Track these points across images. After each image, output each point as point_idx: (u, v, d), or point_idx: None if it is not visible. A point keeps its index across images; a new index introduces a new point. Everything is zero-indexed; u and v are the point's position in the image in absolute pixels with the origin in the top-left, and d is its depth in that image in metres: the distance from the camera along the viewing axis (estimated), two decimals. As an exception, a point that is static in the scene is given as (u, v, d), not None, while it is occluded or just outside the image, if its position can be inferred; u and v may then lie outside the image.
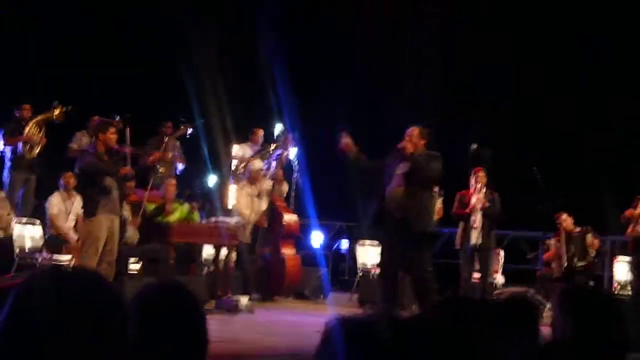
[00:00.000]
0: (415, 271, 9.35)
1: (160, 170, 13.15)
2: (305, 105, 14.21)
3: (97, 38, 14.92)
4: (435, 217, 11.28)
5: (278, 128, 13.54)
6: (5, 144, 12.49)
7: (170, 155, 13.25)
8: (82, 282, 1.80)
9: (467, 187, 11.89)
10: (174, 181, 12.29)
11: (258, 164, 12.80)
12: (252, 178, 12.66)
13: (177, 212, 11.97)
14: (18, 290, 1.77)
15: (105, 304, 1.78)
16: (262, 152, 13.39)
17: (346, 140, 9.43)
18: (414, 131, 9.50)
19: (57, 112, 12.61)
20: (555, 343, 3.28)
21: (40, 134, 12.52)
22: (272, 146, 13.34)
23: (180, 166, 13.60)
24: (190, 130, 13.46)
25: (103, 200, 9.61)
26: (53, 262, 10.92)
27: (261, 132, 13.77)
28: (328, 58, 16.20)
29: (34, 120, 12.53)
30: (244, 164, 13.23)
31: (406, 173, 9.36)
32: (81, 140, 13.12)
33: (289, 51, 14.69)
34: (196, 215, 12.25)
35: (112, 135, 9.77)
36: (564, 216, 12.29)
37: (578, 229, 12.31)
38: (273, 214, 12.59)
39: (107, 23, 15.12)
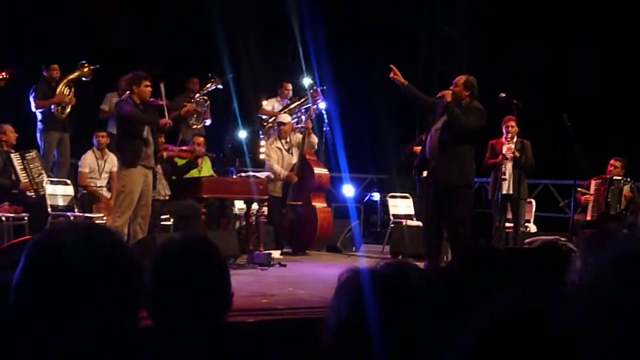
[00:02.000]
0: (448, 225, 9.42)
1: (191, 124, 13.18)
2: (337, 58, 14.13)
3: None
4: None
5: (306, 82, 13.50)
6: (37, 107, 12.53)
7: (200, 109, 13.24)
8: (96, 235, 1.81)
9: (498, 136, 11.90)
10: (202, 139, 12.27)
11: (286, 117, 12.80)
12: (281, 131, 12.67)
13: (205, 168, 12.02)
14: (33, 243, 1.80)
15: (118, 256, 1.80)
16: (290, 107, 13.39)
17: (394, 71, 9.55)
18: (459, 80, 9.49)
19: (85, 70, 12.66)
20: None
21: (70, 94, 12.57)
22: (301, 100, 13.33)
23: (207, 122, 13.59)
24: (219, 86, 13.43)
25: (142, 152, 9.68)
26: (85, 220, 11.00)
27: (290, 87, 13.75)
28: (361, 9, 16.09)
29: (64, 81, 12.57)
30: (273, 118, 13.25)
31: (444, 123, 9.38)
32: (112, 102, 13.16)
33: (320, 3, 14.56)
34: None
35: (146, 88, 9.82)
36: (619, 164, 12.20)
37: (620, 178, 12.22)
38: (304, 167, 12.59)
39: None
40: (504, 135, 11.73)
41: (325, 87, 12.66)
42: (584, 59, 14.25)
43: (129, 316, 1.81)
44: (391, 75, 9.71)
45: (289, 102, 13.56)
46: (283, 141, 12.75)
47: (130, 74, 10.07)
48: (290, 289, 8.40)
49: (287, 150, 12.72)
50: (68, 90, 12.56)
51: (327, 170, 12.83)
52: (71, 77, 12.62)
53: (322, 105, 13.04)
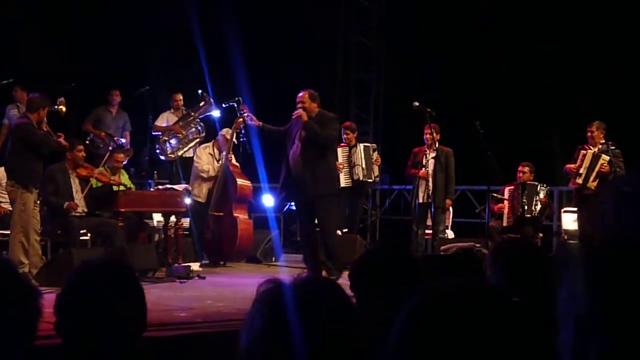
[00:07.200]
0: (321, 232, 10.19)
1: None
2: (254, 68, 14.11)
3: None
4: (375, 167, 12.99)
5: (199, 92, 13.41)
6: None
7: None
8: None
9: (420, 144, 12.15)
10: (122, 155, 12.14)
11: (227, 131, 12.74)
12: (220, 142, 12.73)
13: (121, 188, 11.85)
14: None
15: (11, 283, 1.79)
16: (187, 118, 13.38)
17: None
18: (304, 96, 10.06)
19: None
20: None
21: None
22: (198, 110, 13.35)
23: (122, 140, 13.53)
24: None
25: (40, 174, 10.02)
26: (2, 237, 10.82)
27: (180, 97, 13.71)
28: (277, 20, 16.09)
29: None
30: (168, 133, 13.32)
31: (303, 140, 10.01)
32: (9, 113, 13.02)
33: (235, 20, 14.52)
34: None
35: (44, 112, 10.10)
36: (527, 168, 12.44)
37: (534, 183, 12.45)
38: (226, 178, 12.57)
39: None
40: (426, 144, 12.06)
41: (239, 98, 12.61)
42: (496, 65, 14.48)
43: (25, 337, 1.81)
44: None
45: (184, 112, 13.53)
46: (217, 151, 12.77)
47: (37, 95, 10.12)
48: (209, 302, 8.37)
49: (218, 161, 12.72)
50: None
51: (249, 181, 12.81)
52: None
53: (216, 113, 13.10)
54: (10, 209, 11.37)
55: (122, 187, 11.40)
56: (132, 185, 11.95)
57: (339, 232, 12.82)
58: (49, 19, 14.68)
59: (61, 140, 10.32)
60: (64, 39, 14.63)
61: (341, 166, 12.79)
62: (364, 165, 12.92)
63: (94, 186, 11.32)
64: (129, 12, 14.69)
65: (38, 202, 10.33)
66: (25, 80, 13.06)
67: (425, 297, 1.43)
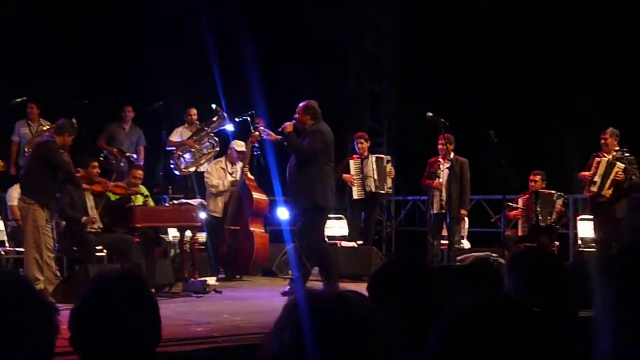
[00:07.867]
0: (303, 242, 10.26)
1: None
2: (268, 83, 14.11)
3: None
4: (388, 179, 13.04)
5: (212, 106, 13.44)
6: None
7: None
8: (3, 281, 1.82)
9: (435, 154, 12.15)
10: (140, 172, 12.16)
11: (241, 145, 12.76)
12: (233, 156, 12.76)
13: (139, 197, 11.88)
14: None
15: (26, 300, 1.80)
16: (200, 132, 13.39)
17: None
18: (299, 107, 10.14)
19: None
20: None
21: None
22: (210, 125, 13.38)
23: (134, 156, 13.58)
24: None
25: (52, 190, 10.13)
26: (17, 254, 10.88)
27: (194, 111, 13.74)
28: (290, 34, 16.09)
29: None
30: (182, 147, 13.34)
31: (291, 152, 10.20)
32: (20, 131, 13.04)
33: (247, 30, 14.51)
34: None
35: (69, 139, 10.29)
36: (538, 177, 12.40)
37: (547, 190, 12.41)
38: (243, 192, 12.58)
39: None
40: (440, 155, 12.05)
41: (254, 112, 12.61)
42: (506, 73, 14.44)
43: (42, 354, 1.81)
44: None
45: (198, 127, 13.54)
46: (229, 164, 12.80)
47: (66, 122, 10.39)
48: (226, 316, 8.38)
49: (231, 174, 12.75)
50: None
51: (265, 196, 12.81)
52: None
53: (230, 127, 13.12)
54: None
55: (139, 197, 11.44)
56: (149, 195, 11.96)
57: (354, 243, 12.87)
58: (49, 19, 14.65)
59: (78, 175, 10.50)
60: (64, 39, 14.60)
61: (353, 178, 12.86)
62: (376, 177, 12.97)
63: (111, 199, 11.33)
64: (129, 12, 14.66)
65: (54, 220, 10.38)
66: (37, 95, 13.09)
67: (454, 316, 1.44)
